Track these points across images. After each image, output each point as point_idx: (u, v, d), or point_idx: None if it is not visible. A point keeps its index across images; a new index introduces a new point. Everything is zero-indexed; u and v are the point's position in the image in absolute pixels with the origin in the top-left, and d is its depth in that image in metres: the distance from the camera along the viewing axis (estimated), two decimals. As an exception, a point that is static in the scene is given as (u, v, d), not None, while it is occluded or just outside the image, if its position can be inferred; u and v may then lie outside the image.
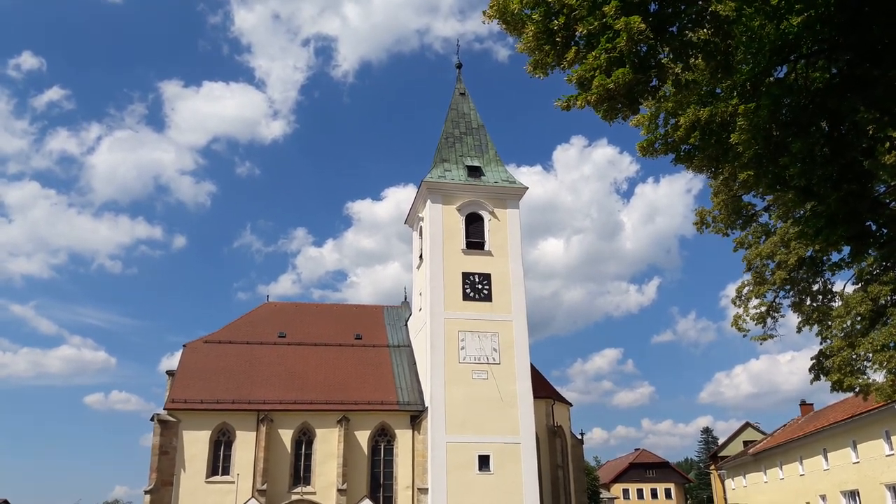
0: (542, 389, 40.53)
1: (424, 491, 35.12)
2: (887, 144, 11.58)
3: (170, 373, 37.82)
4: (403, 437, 36.91)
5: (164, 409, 35.34)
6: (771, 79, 10.90)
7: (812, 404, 51.40)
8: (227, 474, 34.91)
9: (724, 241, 24.75)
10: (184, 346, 39.27)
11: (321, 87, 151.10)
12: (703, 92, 11.80)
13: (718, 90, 11.76)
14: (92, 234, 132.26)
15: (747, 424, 63.78)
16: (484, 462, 35.26)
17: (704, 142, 12.16)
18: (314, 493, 35.33)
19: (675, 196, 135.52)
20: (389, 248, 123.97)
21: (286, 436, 35.92)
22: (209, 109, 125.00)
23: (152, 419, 34.91)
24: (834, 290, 24.90)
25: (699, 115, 11.96)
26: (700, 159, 12.66)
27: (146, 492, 33.73)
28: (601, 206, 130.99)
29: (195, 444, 34.91)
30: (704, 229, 25.44)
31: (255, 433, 35.37)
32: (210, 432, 35.29)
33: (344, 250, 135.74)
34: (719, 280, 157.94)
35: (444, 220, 39.30)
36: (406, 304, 45.59)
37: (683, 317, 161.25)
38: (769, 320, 25.64)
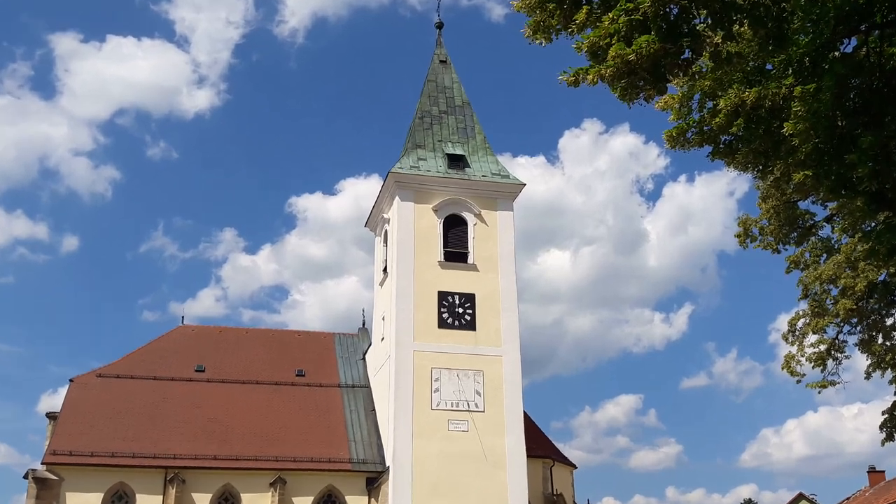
0: (539, 446, 40.60)
1: (382, 576, 34.97)
2: (981, 141, 11.78)
3: (51, 416, 37.38)
4: (356, 505, 36.72)
5: (43, 463, 34.90)
6: (836, 54, 11.06)
7: (883, 471, 51.99)
8: (124, 551, 34.54)
9: (774, 258, 25.08)
10: (70, 380, 38.84)
11: (261, 49, 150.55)
12: (749, 68, 11.95)
13: (769, 66, 11.91)
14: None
15: (801, 496, 64.40)
16: (461, 540, 35.16)
17: (750, 131, 12.31)
18: (237, 578, 35.04)
19: (713, 200, 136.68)
20: (344, 257, 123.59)
21: (202, 501, 35.59)
22: (114, 72, 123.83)
23: (26, 476, 34.47)
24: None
25: (744, 97, 12.10)
26: (744, 154, 12.81)
27: (15, 573, 33.28)
28: (619, 209, 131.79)
29: (82, 510, 34.48)
30: (749, 243, 25.71)
31: (161, 497, 34.96)
32: (102, 495, 34.79)
33: (285, 259, 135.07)
34: (768, 309, 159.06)
35: (416, 224, 39.32)
36: (364, 331, 45.49)
37: (722, 356, 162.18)
38: (830, 362, 25.94)
